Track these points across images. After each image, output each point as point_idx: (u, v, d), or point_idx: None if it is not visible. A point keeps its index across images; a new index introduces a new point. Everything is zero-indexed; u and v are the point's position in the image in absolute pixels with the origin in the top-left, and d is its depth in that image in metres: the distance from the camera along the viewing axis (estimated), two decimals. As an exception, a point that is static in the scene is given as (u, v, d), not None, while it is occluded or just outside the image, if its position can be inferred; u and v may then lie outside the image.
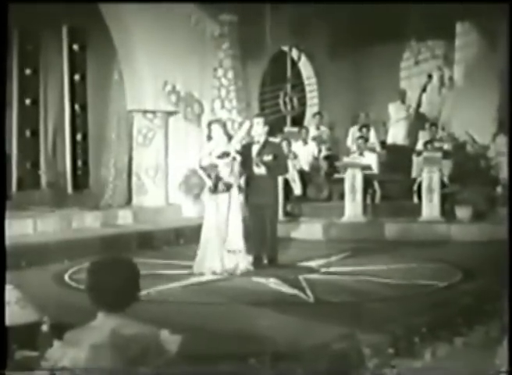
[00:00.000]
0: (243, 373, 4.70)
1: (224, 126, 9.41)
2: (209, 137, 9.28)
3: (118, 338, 2.88)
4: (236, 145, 9.23)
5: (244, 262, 9.09)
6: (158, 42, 13.50)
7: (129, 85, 13.79)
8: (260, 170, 9.32)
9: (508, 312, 5.69)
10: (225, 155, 9.05)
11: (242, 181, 9.26)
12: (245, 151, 9.36)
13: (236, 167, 9.08)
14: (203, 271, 8.91)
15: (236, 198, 9.10)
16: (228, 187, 8.98)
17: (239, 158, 9.09)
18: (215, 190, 8.97)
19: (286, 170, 10.29)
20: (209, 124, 9.52)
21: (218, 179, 8.96)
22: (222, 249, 8.96)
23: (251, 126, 9.83)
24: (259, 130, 9.48)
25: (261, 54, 15.13)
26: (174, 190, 14.03)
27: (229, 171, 9.01)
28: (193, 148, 13.01)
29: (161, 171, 14.03)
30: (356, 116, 16.15)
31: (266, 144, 9.52)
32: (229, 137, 9.27)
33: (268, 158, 9.32)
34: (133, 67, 13.68)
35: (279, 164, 9.51)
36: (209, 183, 8.97)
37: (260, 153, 9.37)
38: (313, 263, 9.71)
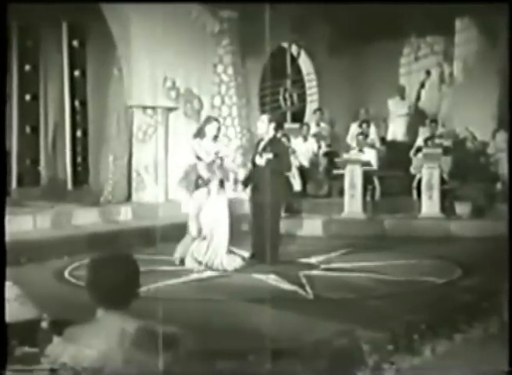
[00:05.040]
0: (243, 369, 4.71)
1: (219, 128, 9.46)
2: (202, 133, 9.23)
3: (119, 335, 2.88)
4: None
5: (238, 258, 9.11)
6: (158, 38, 13.48)
7: (128, 81, 13.77)
8: (260, 162, 9.38)
9: (508, 308, 5.71)
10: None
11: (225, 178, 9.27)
12: (253, 148, 9.46)
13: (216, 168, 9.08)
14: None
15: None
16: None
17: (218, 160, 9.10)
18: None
19: (288, 168, 10.32)
20: (208, 120, 9.50)
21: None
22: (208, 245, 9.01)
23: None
24: (264, 127, 9.56)
25: (260, 50, 15.08)
26: (174, 186, 14.08)
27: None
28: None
29: (161, 167, 14.01)
30: (356, 112, 16.14)
31: (272, 140, 9.58)
32: (215, 137, 9.28)
33: (268, 155, 9.36)
34: (132, 63, 13.66)
35: (280, 161, 9.53)
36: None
37: (264, 149, 9.44)
38: (312, 259, 9.71)
